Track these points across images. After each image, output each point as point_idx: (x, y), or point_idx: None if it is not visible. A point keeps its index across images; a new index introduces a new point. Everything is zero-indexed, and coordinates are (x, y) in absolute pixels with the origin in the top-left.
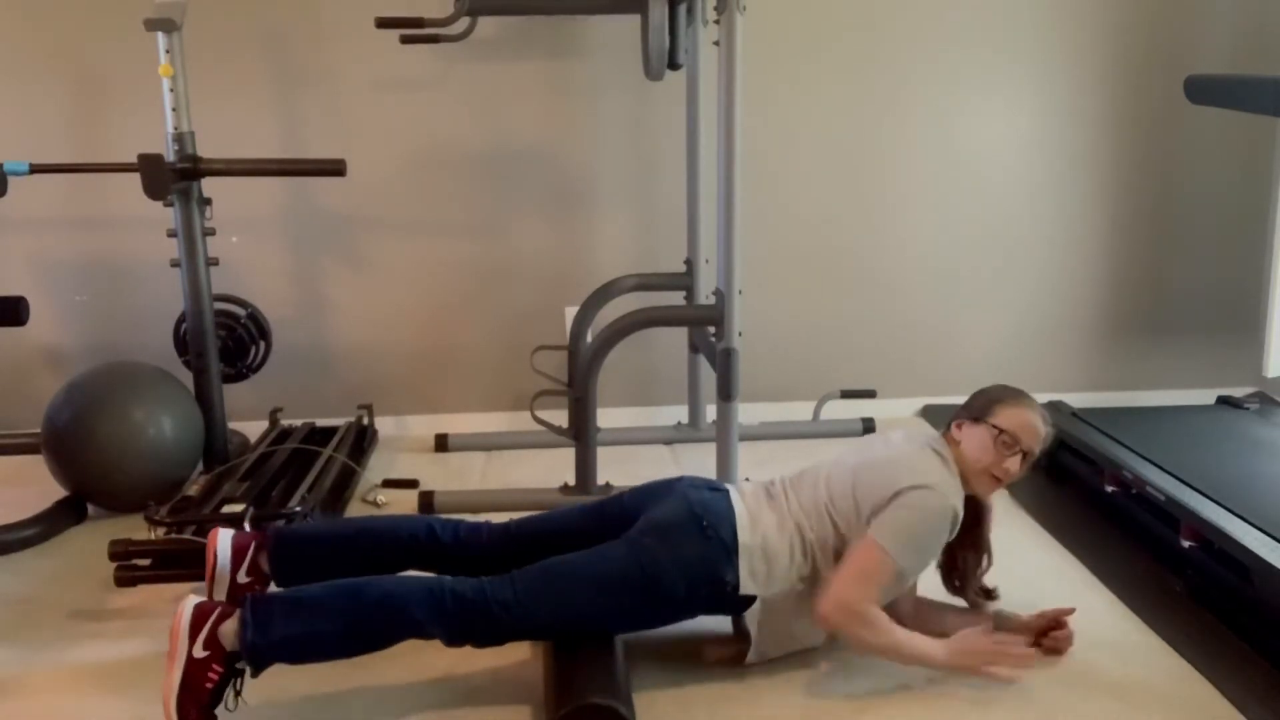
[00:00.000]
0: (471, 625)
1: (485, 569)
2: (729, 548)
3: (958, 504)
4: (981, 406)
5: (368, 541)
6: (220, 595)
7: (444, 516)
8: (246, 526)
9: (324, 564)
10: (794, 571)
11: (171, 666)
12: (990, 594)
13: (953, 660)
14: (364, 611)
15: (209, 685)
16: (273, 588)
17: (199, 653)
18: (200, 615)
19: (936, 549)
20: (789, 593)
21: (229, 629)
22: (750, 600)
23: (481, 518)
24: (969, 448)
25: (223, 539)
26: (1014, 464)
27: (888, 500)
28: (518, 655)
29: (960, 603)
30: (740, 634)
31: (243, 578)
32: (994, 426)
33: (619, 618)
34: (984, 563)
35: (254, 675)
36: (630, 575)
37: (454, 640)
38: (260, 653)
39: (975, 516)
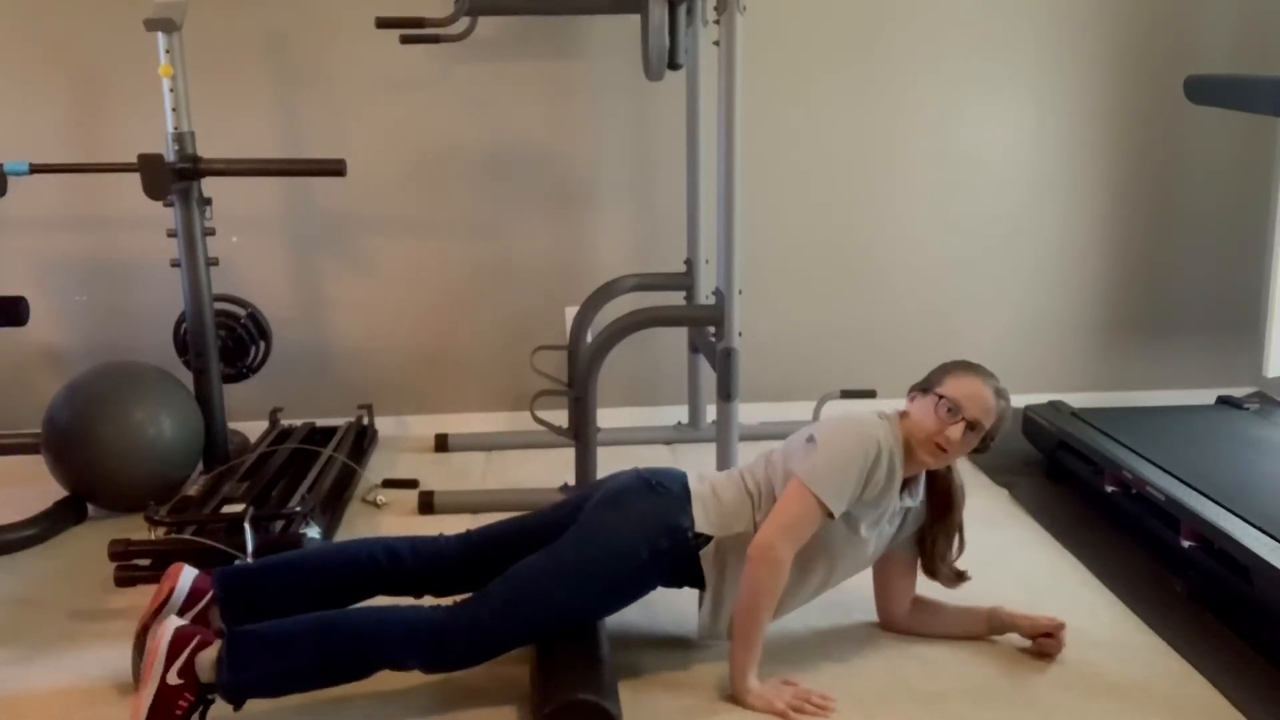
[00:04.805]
0: (448, 652)
1: (449, 580)
2: (680, 498)
3: (881, 441)
4: (933, 377)
5: (320, 570)
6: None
7: (396, 536)
8: (247, 528)
9: (276, 599)
10: (745, 515)
11: (144, 687)
12: (962, 576)
13: (750, 699)
14: (339, 649)
15: (178, 712)
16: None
17: (173, 679)
18: (179, 641)
19: (854, 479)
20: (744, 539)
21: (206, 660)
22: (706, 541)
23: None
24: (915, 416)
25: (185, 576)
26: (955, 432)
27: (808, 438)
28: (503, 655)
29: (959, 602)
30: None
31: (187, 621)
32: (939, 394)
33: (592, 603)
34: (954, 546)
35: (236, 709)
36: (591, 553)
37: (432, 669)
38: (237, 691)
39: (946, 501)
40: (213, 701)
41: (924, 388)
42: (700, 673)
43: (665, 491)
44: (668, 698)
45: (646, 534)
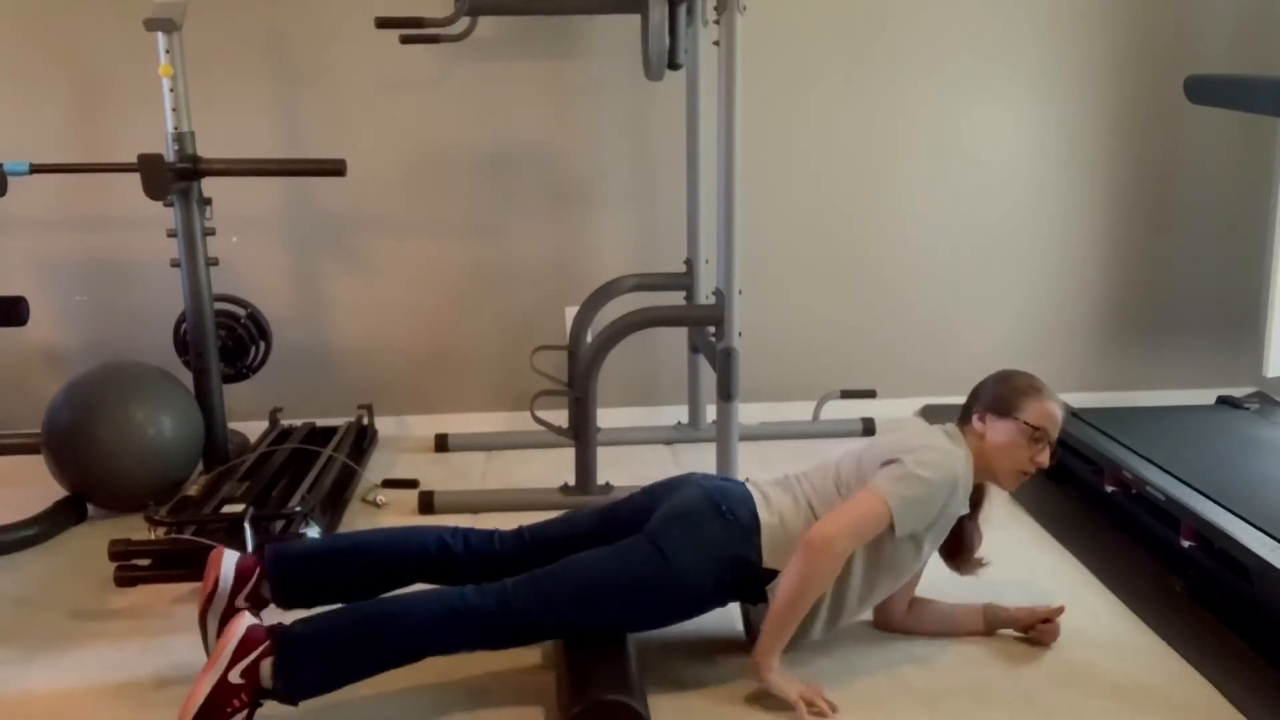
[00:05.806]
0: (497, 638)
1: (499, 579)
2: (749, 528)
3: (961, 476)
4: (1007, 400)
5: (372, 559)
6: (215, 616)
7: (451, 526)
8: (247, 528)
9: (327, 586)
10: None
11: (205, 676)
12: (980, 561)
13: (770, 675)
14: (390, 643)
15: (229, 710)
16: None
17: (235, 678)
18: (249, 642)
19: (932, 512)
20: None
21: (268, 668)
22: (772, 576)
23: (483, 519)
24: (998, 442)
25: (228, 560)
26: (1045, 458)
27: (894, 459)
28: (528, 657)
29: (958, 598)
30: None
31: (240, 603)
32: (1026, 423)
33: (647, 616)
34: (978, 538)
35: (294, 707)
36: (656, 571)
37: (480, 650)
38: (294, 695)
39: (978, 498)
40: (261, 705)
41: (998, 411)
42: (710, 672)
43: (734, 520)
44: (676, 697)
45: (715, 566)
